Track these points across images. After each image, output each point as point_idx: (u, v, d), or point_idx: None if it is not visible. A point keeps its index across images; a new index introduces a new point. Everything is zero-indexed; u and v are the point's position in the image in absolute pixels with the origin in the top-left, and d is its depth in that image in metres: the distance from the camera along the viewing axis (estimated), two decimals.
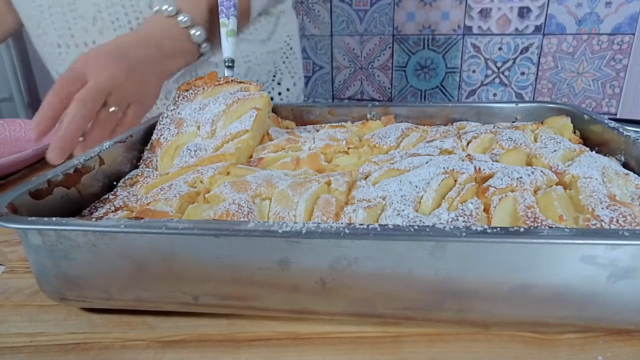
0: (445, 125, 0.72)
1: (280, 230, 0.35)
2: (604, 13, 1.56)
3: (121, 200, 0.49)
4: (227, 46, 0.75)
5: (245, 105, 0.63)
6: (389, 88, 2.01)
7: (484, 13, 1.69)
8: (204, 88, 0.66)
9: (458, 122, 0.71)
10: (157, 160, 0.59)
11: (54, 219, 0.38)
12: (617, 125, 0.57)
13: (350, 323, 0.41)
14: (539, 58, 1.67)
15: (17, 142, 0.93)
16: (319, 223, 0.35)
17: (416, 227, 0.34)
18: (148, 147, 0.62)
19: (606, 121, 0.59)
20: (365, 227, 0.35)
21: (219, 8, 0.78)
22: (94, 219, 0.37)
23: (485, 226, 0.34)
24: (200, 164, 0.56)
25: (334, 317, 0.40)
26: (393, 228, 0.34)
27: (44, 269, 0.40)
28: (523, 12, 1.64)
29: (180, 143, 0.61)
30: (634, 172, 0.48)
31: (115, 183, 0.55)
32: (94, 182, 0.53)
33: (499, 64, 1.76)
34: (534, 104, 0.71)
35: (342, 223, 0.35)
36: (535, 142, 0.59)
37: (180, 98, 0.66)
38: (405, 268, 0.36)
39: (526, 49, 1.69)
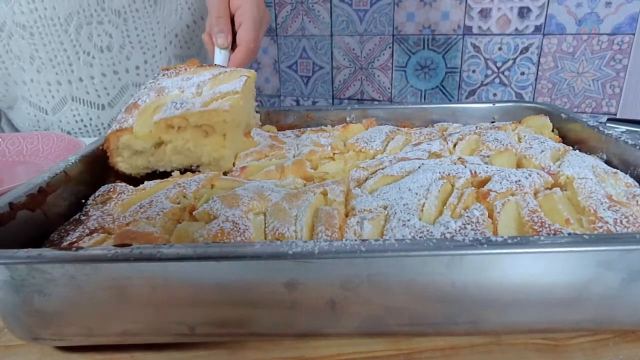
0: (425, 127, 0.71)
1: (290, 252, 0.32)
2: (604, 13, 1.58)
3: (95, 221, 0.44)
4: (220, 57, 0.71)
5: (232, 74, 0.59)
6: (389, 88, 1.99)
7: (484, 13, 1.69)
8: (186, 69, 0.62)
9: (439, 124, 0.70)
10: (132, 120, 0.54)
11: (28, 251, 0.33)
12: (596, 123, 0.58)
13: (360, 342, 0.38)
14: (539, 58, 1.68)
15: (16, 158, 0.79)
16: (332, 242, 0.33)
17: (434, 241, 0.33)
18: (123, 110, 0.56)
19: (584, 119, 0.60)
20: (381, 243, 0.32)
21: None
22: (74, 249, 0.33)
23: (505, 236, 0.33)
24: (188, 116, 0.51)
25: (344, 337, 0.38)
26: (411, 243, 0.33)
27: (11, 307, 0.35)
28: (523, 12, 1.65)
29: (162, 103, 0.55)
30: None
31: (84, 201, 0.50)
32: (60, 202, 0.47)
33: (499, 64, 1.76)
34: (510, 104, 0.72)
35: (355, 240, 0.33)
36: (519, 142, 0.59)
37: (161, 75, 0.61)
38: (421, 282, 0.34)
39: (526, 49, 1.70)
